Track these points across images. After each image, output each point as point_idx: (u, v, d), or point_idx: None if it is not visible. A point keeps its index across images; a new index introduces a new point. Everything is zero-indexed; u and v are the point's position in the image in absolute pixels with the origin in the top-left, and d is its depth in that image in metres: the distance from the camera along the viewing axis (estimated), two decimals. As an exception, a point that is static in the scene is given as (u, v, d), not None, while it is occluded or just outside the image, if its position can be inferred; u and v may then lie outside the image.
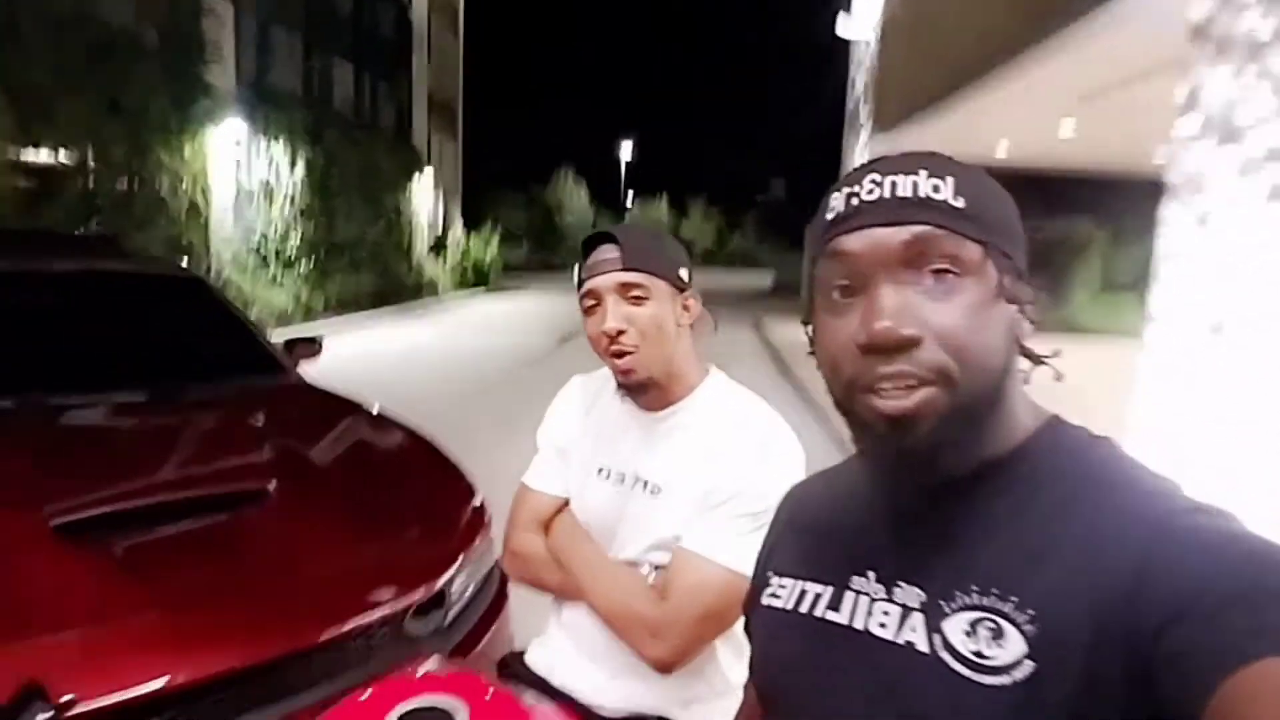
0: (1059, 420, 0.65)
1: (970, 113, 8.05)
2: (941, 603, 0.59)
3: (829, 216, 0.63)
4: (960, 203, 0.59)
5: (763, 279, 26.06)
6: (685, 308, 1.20)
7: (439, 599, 1.80)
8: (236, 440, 2.30)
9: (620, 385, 1.21)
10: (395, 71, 19.33)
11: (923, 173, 0.60)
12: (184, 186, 10.71)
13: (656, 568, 1.17)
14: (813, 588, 0.68)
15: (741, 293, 22.02)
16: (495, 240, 21.05)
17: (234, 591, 1.57)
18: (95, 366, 2.52)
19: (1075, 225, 11.23)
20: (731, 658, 1.19)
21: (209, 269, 10.97)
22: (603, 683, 1.18)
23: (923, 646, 0.58)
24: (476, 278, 19.68)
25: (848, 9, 12.55)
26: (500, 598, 2.04)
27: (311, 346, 3.21)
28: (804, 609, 0.68)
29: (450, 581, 1.84)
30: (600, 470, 1.24)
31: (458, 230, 21.09)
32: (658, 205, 49.42)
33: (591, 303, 1.17)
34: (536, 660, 1.27)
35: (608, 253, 1.16)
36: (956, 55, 7.47)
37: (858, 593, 0.65)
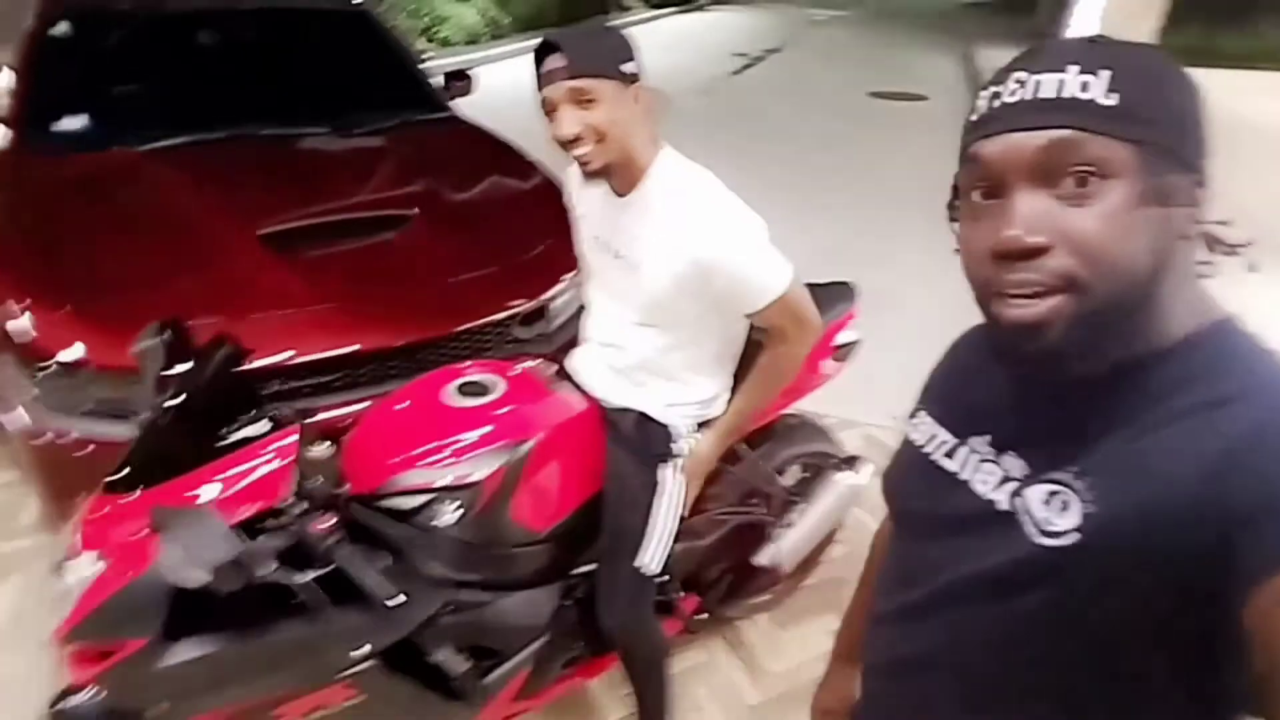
0: (1229, 324, 0.63)
1: None
2: (1035, 475, 0.65)
3: (973, 117, 0.63)
4: (1112, 99, 0.56)
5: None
6: (635, 99, 1.30)
7: (543, 311, 2.23)
8: (395, 171, 2.73)
9: (584, 174, 1.35)
10: None
11: (1072, 69, 0.57)
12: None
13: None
14: (941, 433, 0.76)
15: (958, 9, 19.03)
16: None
17: (386, 292, 2.08)
18: (280, 102, 3.00)
19: None
20: (706, 380, 1.52)
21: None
22: (611, 385, 1.54)
23: (1004, 506, 0.66)
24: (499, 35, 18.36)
25: None
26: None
27: (464, 83, 3.51)
28: (927, 449, 0.77)
29: (553, 298, 2.25)
30: (595, 238, 1.49)
31: None
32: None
33: (549, 109, 1.28)
34: (571, 365, 1.64)
35: (555, 62, 1.25)
36: None
37: (972, 450, 0.72)
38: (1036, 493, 0.63)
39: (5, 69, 2.98)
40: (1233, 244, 0.61)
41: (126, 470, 1.20)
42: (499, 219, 2.57)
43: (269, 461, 1.21)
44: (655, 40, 13.53)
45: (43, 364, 1.80)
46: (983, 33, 13.48)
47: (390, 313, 2.02)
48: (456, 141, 3.12)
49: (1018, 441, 0.68)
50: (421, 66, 3.47)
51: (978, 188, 0.62)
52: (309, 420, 1.39)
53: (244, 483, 1.19)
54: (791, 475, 1.94)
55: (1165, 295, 0.59)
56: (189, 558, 0.96)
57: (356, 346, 1.91)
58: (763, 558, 1.82)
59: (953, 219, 0.66)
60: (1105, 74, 0.56)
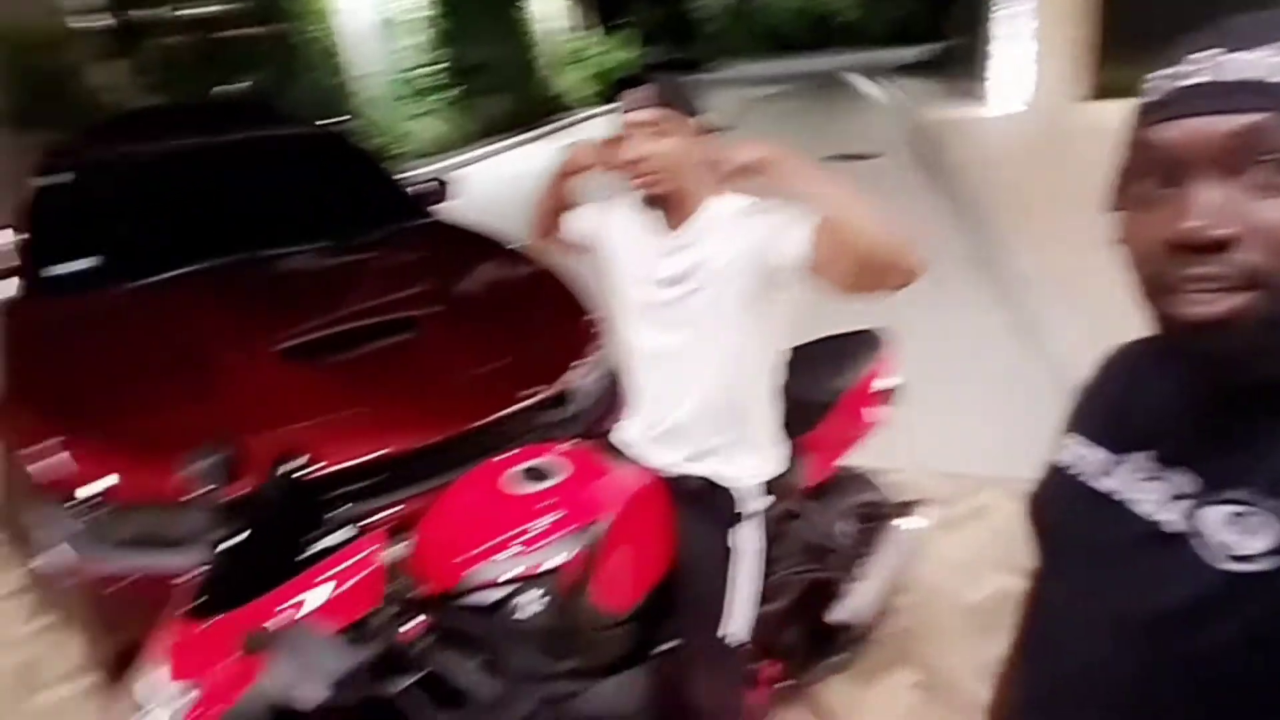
0: None
1: None
2: (1212, 493, 0.58)
3: (1148, 100, 0.58)
4: None
5: (914, 52, 23.46)
6: (701, 142, 1.39)
7: (565, 395, 2.24)
8: (395, 276, 2.77)
9: (644, 200, 1.43)
10: None
11: (1266, 49, 0.53)
12: (316, 26, 11.11)
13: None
14: (1093, 453, 0.71)
15: (894, 71, 20.09)
16: (635, 42, 20.27)
17: (412, 391, 2.09)
18: (275, 223, 3.06)
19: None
20: (759, 431, 1.52)
21: (351, 111, 11.54)
22: (666, 454, 1.54)
23: (1176, 527, 0.59)
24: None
25: None
26: (619, 393, 2.46)
27: (440, 189, 3.61)
28: (1077, 470, 0.71)
29: (573, 381, 2.27)
30: (641, 277, 1.48)
31: (592, 37, 20.39)
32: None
33: (621, 136, 1.39)
34: (621, 439, 1.64)
35: (634, 94, 1.37)
36: None
37: (1133, 467, 0.66)
38: (1217, 514, 0.57)
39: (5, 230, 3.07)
40: None
41: (206, 595, 1.16)
42: (506, 311, 2.61)
43: (357, 569, 1.18)
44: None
45: (77, 500, 1.76)
46: (920, 91, 14.28)
47: (419, 411, 2.03)
48: (447, 243, 3.20)
49: (1188, 456, 0.62)
50: (397, 178, 3.58)
51: (1151, 175, 0.57)
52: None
53: (335, 593, 1.15)
54: (852, 528, 1.92)
55: None
56: (303, 675, 0.92)
57: (396, 446, 1.91)
58: (838, 614, 1.78)
59: (1114, 208, 0.62)
60: None
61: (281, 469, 1.28)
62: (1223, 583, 0.55)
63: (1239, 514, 0.56)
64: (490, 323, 2.48)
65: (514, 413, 2.11)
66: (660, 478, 1.53)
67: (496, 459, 1.53)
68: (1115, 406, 0.74)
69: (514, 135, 13.90)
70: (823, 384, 1.76)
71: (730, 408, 1.47)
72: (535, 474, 1.45)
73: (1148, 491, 0.64)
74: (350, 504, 1.81)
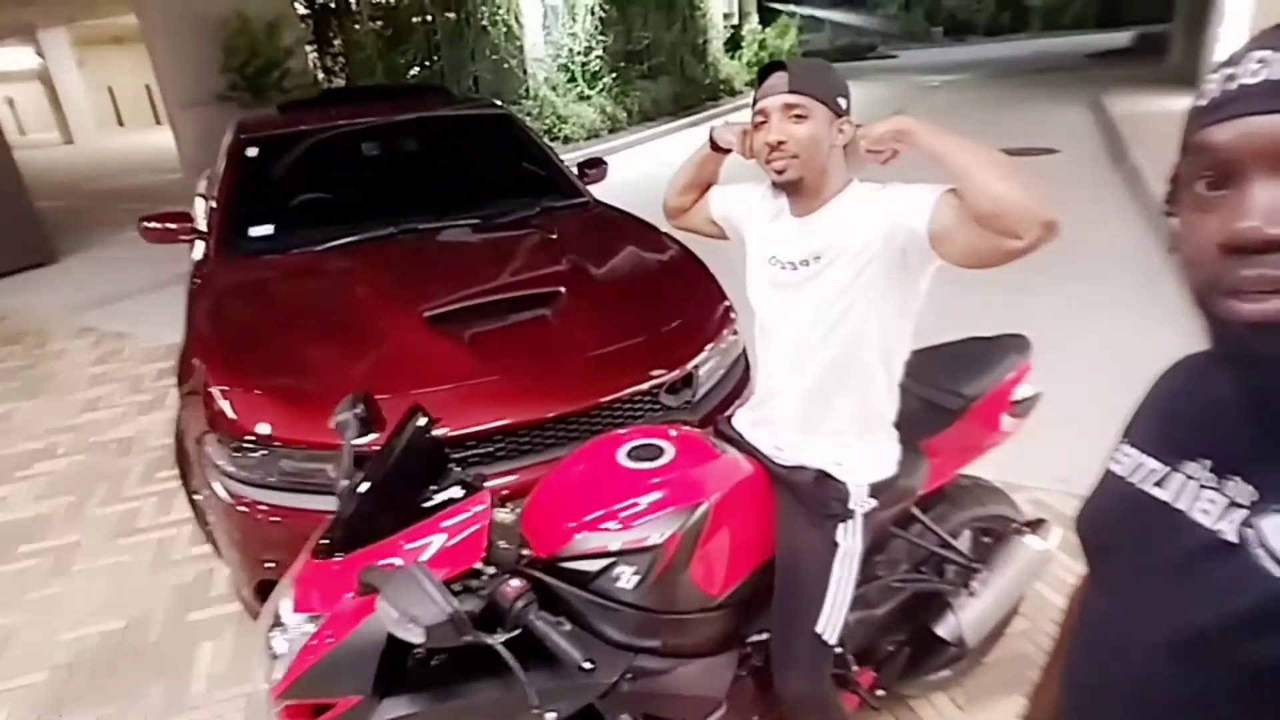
0: None
1: None
2: (1269, 502, 0.58)
3: (1202, 102, 0.58)
4: None
5: (1121, 38, 21.44)
6: (840, 130, 1.39)
7: (689, 379, 2.26)
8: (541, 253, 2.91)
9: (775, 184, 1.43)
10: None
11: None
12: (500, 13, 11.70)
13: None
14: (1149, 463, 0.70)
15: (1086, 58, 18.48)
16: (792, 29, 19.90)
17: (544, 364, 2.19)
18: (438, 198, 3.28)
19: None
20: (877, 428, 1.48)
21: (526, 91, 12.07)
22: (781, 441, 1.53)
23: (1231, 536, 0.59)
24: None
25: None
26: (743, 381, 2.45)
27: (598, 169, 3.74)
28: (1134, 479, 0.70)
29: (698, 366, 2.29)
30: (773, 258, 1.48)
31: (753, 23, 20.15)
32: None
33: (761, 119, 1.40)
34: (739, 422, 1.64)
35: (777, 78, 1.38)
36: None
37: (1188, 476, 0.65)
38: (1274, 523, 0.56)
39: (200, 199, 3.45)
40: None
41: (334, 536, 1.28)
42: (642, 292, 2.66)
43: (466, 525, 1.27)
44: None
45: (239, 441, 1.99)
46: (1111, 79, 13.02)
47: (548, 384, 2.12)
48: (597, 223, 3.29)
49: (1244, 464, 0.61)
50: (558, 158, 3.72)
51: (1204, 177, 0.57)
52: (491, 486, 1.45)
53: (445, 545, 1.25)
54: (969, 540, 1.83)
55: None
56: (408, 615, 1.00)
57: (520, 417, 2.01)
58: (943, 630, 1.70)
59: (1168, 214, 0.62)
60: None
61: (411, 426, 1.38)
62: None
63: None
64: (627, 303, 2.54)
65: (639, 392, 2.16)
66: (766, 467, 1.52)
67: (611, 435, 1.59)
68: (1171, 415, 0.73)
69: (675, 119, 14.02)
70: (957, 386, 1.68)
71: (852, 395, 1.44)
72: (644, 452, 1.49)
73: (1204, 501, 0.63)
74: (474, 465, 1.94)
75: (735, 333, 2.50)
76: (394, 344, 2.24)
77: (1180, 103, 10.05)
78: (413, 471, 1.38)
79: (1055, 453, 2.47)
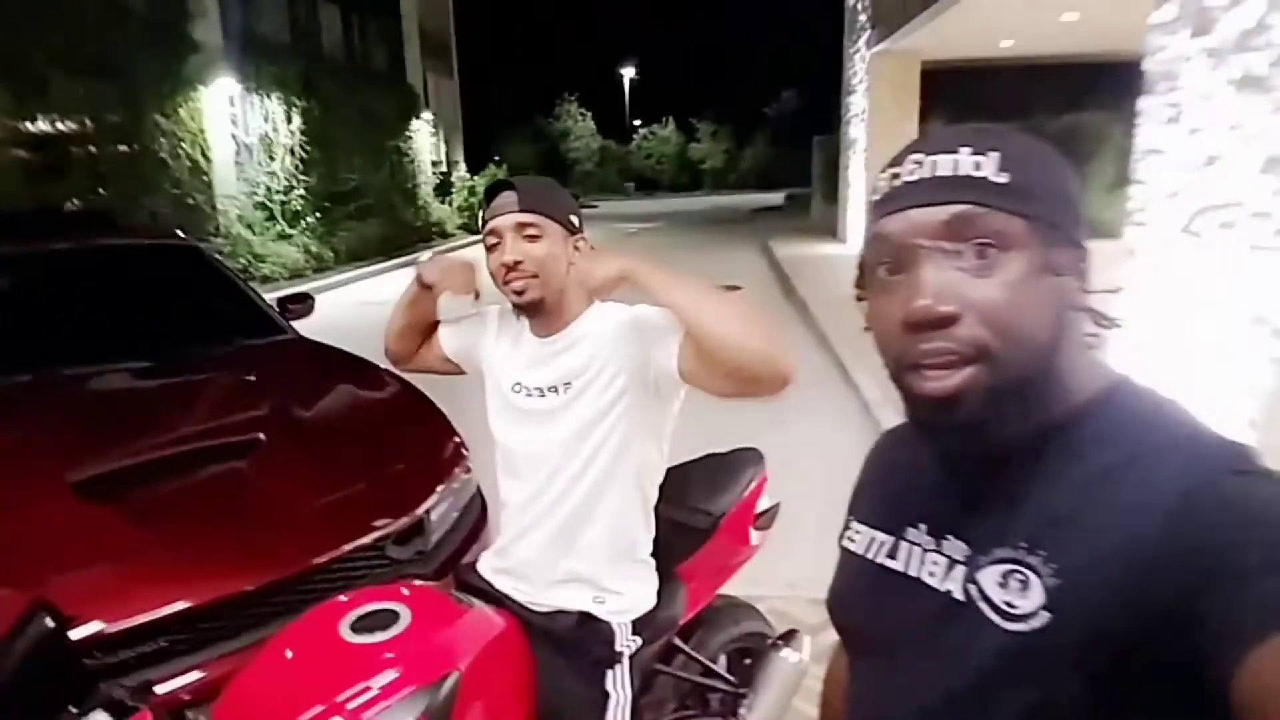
0: (1126, 382, 0.65)
1: (970, 8, 7.77)
2: (980, 556, 0.62)
3: (876, 198, 0.64)
4: (1004, 178, 0.59)
5: (775, 197, 25.71)
6: (576, 248, 1.36)
7: (419, 526, 2.01)
8: (233, 396, 2.50)
9: (515, 306, 1.37)
10: (383, 9, 18.91)
11: (964, 150, 0.60)
12: (184, 146, 10.80)
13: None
14: (879, 536, 0.73)
15: (751, 213, 21.79)
16: (501, 176, 20.96)
17: (238, 527, 1.79)
18: (105, 337, 2.73)
19: (1088, 117, 10.73)
20: (631, 564, 1.39)
21: (216, 228, 11.11)
22: (534, 585, 1.37)
23: (959, 595, 0.62)
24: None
25: None
26: (480, 522, 2.25)
27: (304, 304, 3.39)
28: (870, 555, 0.72)
29: (429, 511, 2.04)
30: (517, 385, 1.39)
31: (462, 170, 20.92)
32: (665, 129, 48.21)
33: (494, 240, 1.33)
34: (485, 569, 1.45)
35: (507, 198, 1.33)
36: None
37: (911, 543, 0.69)
38: (990, 575, 0.61)
39: None
40: (1111, 318, 0.65)
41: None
42: (359, 434, 2.37)
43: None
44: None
45: None
46: (772, 229, 15.47)
47: (244, 550, 1.73)
48: (303, 361, 2.95)
49: (954, 523, 0.66)
50: (253, 294, 3.32)
51: (884, 264, 0.63)
52: (162, 695, 1.09)
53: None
54: (727, 664, 1.76)
55: (1066, 362, 0.61)
56: None
57: (206, 596, 1.59)
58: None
59: (859, 298, 0.67)
60: (995, 155, 0.59)
61: (31, 631, 1.00)
62: (1008, 646, 0.57)
63: (1007, 572, 0.60)
64: (342, 446, 2.24)
65: (361, 547, 1.85)
66: (520, 618, 1.35)
67: (330, 604, 1.30)
68: (888, 486, 0.77)
69: (387, 260, 13.74)
70: (705, 505, 1.64)
71: (607, 529, 1.33)
72: (375, 621, 1.23)
73: (929, 564, 0.67)
74: (141, 669, 1.50)
75: (469, 470, 2.30)
76: (23, 520, 1.72)
77: (822, 248, 12.14)
78: (36, 694, 0.99)
79: (777, 559, 2.56)
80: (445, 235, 17.46)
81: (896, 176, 0.63)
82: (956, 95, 10.99)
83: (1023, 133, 0.63)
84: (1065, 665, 0.54)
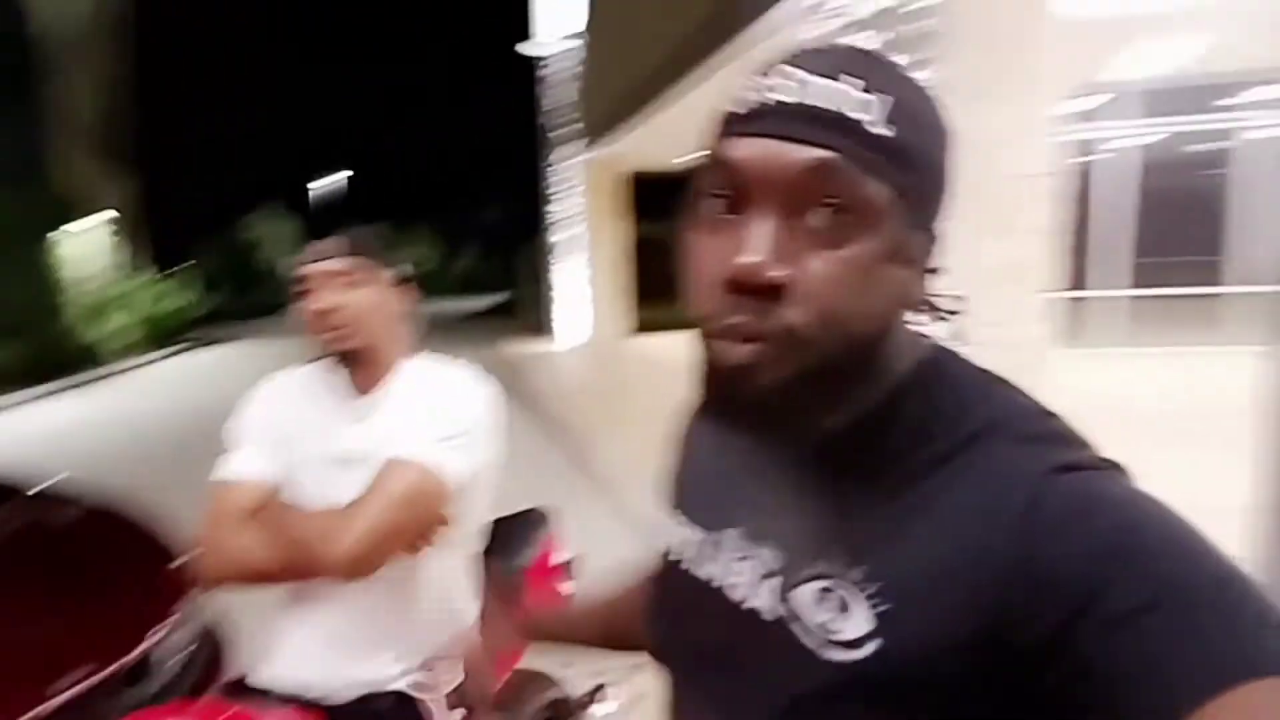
0: (939, 354, 0.56)
1: (669, 120, 7.90)
2: (793, 569, 0.54)
3: (732, 108, 0.52)
4: (888, 131, 0.48)
5: (486, 301, 26.00)
6: (397, 295, 1.31)
7: (144, 667, 1.77)
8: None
9: (333, 356, 1.28)
10: (24, 100, 16.27)
11: (852, 82, 0.48)
12: None
13: None
14: (692, 535, 0.63)
15: (464, 318, 21.83)
16: (190, 288, 18.77)
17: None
18: None
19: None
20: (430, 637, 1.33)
21: None
22: (337, 671, 1.26)
23: (769, 614, 0.54)
24: (167, 331, 17.27)
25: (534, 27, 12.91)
26: (220, 651, 2.02)
27: None
28: (679, 558, 0.64)
29: (158, 643, 1.81)
30: (314, 457, 1.27)
31: (140, 279, 18.29)
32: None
33: (308, 288, 1.25)
34: (259, 679, 1.31)
35: (326, 243, 1.28)
36: (653, 65, 7.38)
37: (723, 548, 0.60)
38: (806, 592, 0.52)
39: None
40: (946, 309, 0.57)
41: None
42: (49, 571, 2.05)
43: None
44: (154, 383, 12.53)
45: None
46: (492, 330, 15.62)
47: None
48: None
49: (765, 529, 0.57)
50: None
51: (719, 194, 0.51)
52: None
53: None
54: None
55: (887, 347, 0.53)
56: None
57: None
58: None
59: (681, 231, 0.55)
60: (885, 100, 0.48)
61: None
62: (829, 679, 0.50)
63: (826, 589, 0.52)
64: (42, 586, 1.93)
65: (76, 697, 1.59)
66: (326, 710, 1.24)
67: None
68: (705, 480, 0.66)
69: (30, 388, 11.41)
70: (510, 563, 1.65)
71: (433, 596, 1.29)
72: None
73: (741, 573, 0.58)
74: None
75: (201, 595, 2.06)
76: None
77: (535, 346, 12.49)
78: None
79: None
80: (104, 359, 14.59)
81: (761, 91, 0.50)
82: (666, 202, 12.07)
83: (919, 81, 0.52)
84: (896, 701, 0.47)
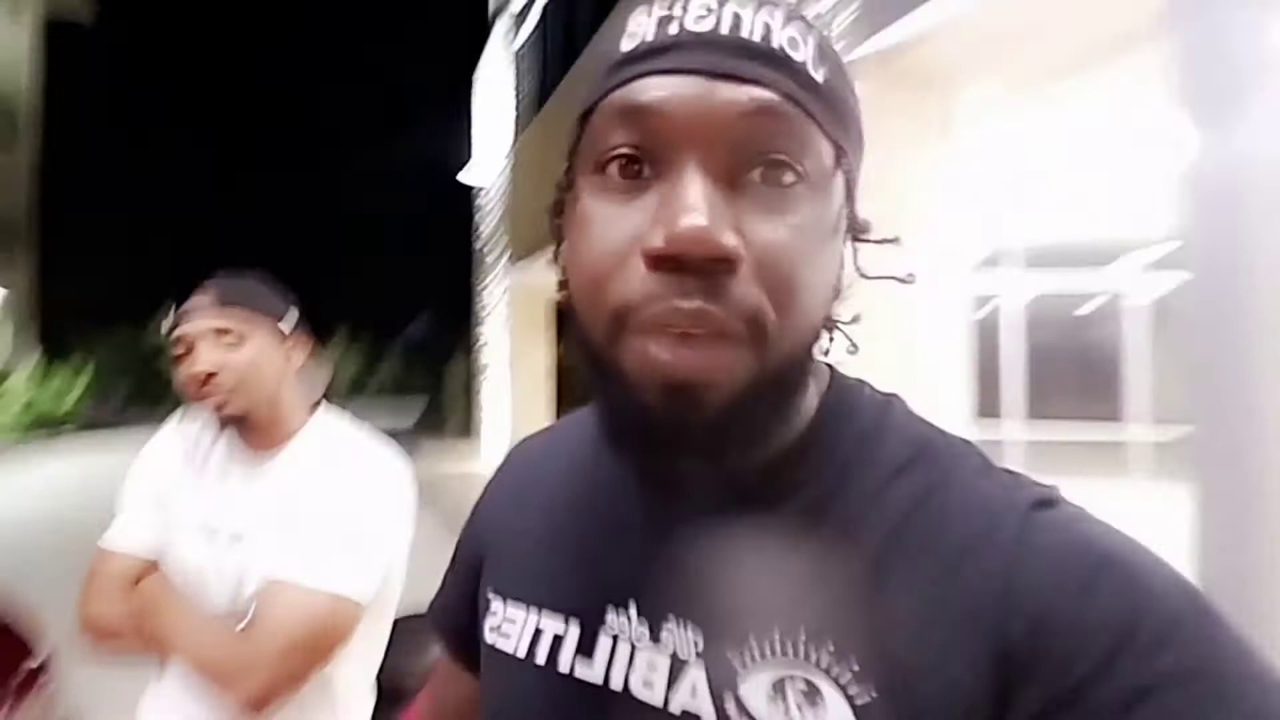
0: (837, 379, 0.47)
1: None
2: (730, 653, 0.40)
3: (625, 46, 0.40)
4: (820, 75, 0.39)
5: (412, 410, 25.36)
6: (286, 349, 1.18)
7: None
8: None
9: (220, 422, 1.15)
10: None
11: (778, 13, 0.39)
12: None
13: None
14: (552, 624, 0.47)
15: (386, 430, 21.23)
16: (78, 385, 17.63)
17: None
18: None
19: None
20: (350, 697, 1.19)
21: None
22: None
23: (696, 708, 0.40)
24: (49, 419, 16.14)
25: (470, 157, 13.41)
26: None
27: None
28: (542, 658, 0.46)
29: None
30: (196, 525, 1.16)
31: (24, 375, 17.07)
32: (293, 338, 45.59)
33: (182, 350, 1.13)
34: None
35: (200, 296, 1.14)
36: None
37: (615, 634, 0.44)
38: (755, 685, 0.39)
39: None
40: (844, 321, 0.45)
41: None
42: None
43: None
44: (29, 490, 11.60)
45: None
46: (419, 438, 15.23)
47: None
48: None
49: (675, 601, 0.43)
50: None
51: (620, 155, 0.39)
52: None
53: None
54: None
55: (812, 361, 0.43)
56: None
57: None
58: None
59: (555, 212, 0.45)
60: (812, 41, 0.40)
61: None
62: None
63: (781, 679, 0.39)
64: None
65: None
66: None
67: None
68: (556, 543, 0.50)
69: None
70: (409, 668, 1.56)
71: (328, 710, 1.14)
72: None
73: (646, 669, 0.43)
74: None
75: (56, 685, 1.88)
76: None
77: (459, 459, 12.24)
78: None
79: None
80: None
81: (672, 20, 0.39)
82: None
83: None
84: None
